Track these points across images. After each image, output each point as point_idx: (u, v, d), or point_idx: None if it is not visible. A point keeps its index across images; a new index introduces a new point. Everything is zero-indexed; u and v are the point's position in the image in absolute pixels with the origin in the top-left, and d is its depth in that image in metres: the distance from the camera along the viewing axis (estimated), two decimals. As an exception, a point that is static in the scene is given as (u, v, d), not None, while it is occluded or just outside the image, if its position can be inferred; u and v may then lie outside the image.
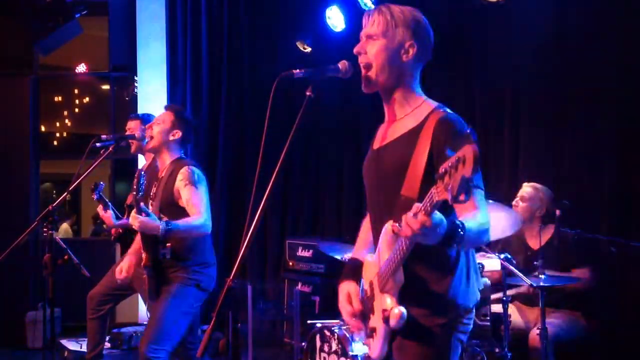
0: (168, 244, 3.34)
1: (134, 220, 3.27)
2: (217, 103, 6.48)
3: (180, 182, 3.46)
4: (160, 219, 3.34)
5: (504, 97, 5.13)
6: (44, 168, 7.75)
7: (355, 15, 5.28)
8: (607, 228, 4.41)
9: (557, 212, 3.78)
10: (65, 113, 13.41)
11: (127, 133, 4.39)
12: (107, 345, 5.30)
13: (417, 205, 1.64)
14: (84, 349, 4.82)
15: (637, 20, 4.44)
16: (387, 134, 2.10)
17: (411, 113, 2.04)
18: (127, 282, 3.76)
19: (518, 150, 5.01)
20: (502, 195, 4.41)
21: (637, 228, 4.41)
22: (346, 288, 2.14)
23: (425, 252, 1.80)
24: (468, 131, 1.66)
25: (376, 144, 2.14)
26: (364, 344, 2.08)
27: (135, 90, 6.90)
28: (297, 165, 6.28)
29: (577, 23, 4.71)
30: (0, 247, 3.33)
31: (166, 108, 3.75)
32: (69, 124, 13.56)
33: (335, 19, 5.45)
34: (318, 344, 3.86)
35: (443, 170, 1.53)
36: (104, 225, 4.54)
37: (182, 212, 3.44)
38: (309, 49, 5.74)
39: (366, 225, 2.24)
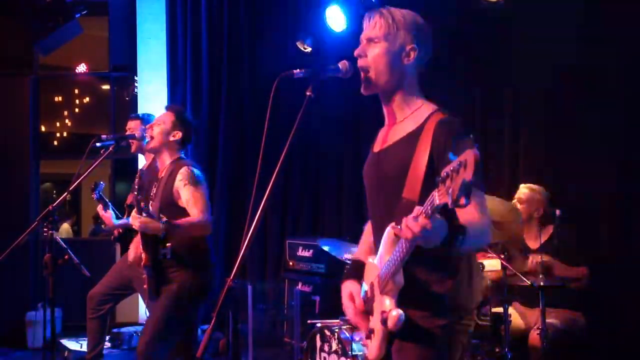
0: (168, 244, 3.35)
1: (134, 220, 3.28)
2: (217, 103, 6.48)
3: (179, 182, 3.46)
4: (160, 219, 3.34)
5: (504, 97, 5.13)
6: (44, 168, 7.75)
7: (355, 15, 5.28)
8: (607, 228, 4.41)
9: (557, 212, 3.78)
10: (65, 113, 13.39)
11: (127, 133, 4.39)
12: (107, 345, 5.32)
13: (418, 208, 1.65)
14: (84, 348, 4.82)
15: (638, 24, 4.44)
16: (387, 137, 2.10)
17: (411, 116, 2.04)
18: (138, 261, 3.72)
19: (518, 150, 5.01)
20: (502, 195, 4.41)
21: (637, 228, 4.41)
22: (349, 287, 2.15)
23: (426, 254, 1.80)
24: (468, 134, 1.66)
25: (376, 147, 2.14)
26: (362, 344, 2.08)
27: (135, 90, 6.90)
28: (297, 165, 6.28)
29: (577, 23, 4.71)
30: (0, 247, 3.32)
31: (167, 108, 3.75)
32: (69, 124, 13.54)
33: (336, 19, 5.45)
34: (318, 343, 3.86)
35: (444, 174, 1.53)
36: (103, 226, 4.53)
37: (182, 212, 3.44)
38: (309, 49, 5.74)
39: (368, 229, 2.24)
